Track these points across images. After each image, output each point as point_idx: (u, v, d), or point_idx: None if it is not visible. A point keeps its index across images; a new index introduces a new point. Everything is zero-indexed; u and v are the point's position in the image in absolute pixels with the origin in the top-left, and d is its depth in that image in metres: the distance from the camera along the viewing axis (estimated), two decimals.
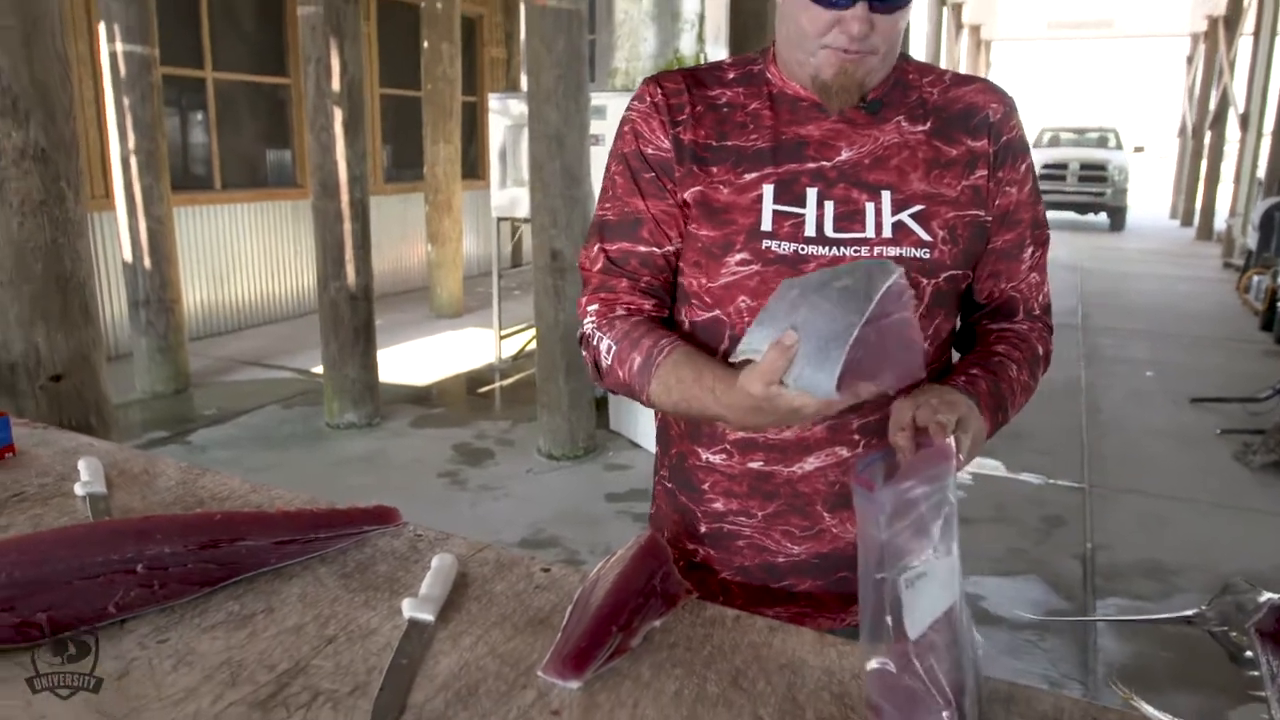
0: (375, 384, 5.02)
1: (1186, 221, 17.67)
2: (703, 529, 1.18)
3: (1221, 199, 15.30)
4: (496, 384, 6.00)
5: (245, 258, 7.45)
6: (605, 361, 1.09)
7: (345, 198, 4.62)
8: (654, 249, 1.12)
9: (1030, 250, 1.12)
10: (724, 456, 1.14)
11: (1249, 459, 4.68)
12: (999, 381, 1.06)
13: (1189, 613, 1.07)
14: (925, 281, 1.06)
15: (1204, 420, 5.37)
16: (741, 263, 1.06)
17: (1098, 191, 16.47)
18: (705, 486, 1.16)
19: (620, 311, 1.12)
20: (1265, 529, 3.88)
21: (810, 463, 1.10)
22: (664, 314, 1.15)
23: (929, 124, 1.08)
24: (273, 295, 7.73)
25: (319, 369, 5.13)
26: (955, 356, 1.18)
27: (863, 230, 1.04)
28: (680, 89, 1.12)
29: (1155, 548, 3.63)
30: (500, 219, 6.17)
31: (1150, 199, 23.73)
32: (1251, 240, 9.87)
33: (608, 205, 1.15)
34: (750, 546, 1.15)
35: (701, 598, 1.16)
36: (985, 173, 1.07)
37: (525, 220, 5.80)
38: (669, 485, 1.23)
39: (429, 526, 1.19)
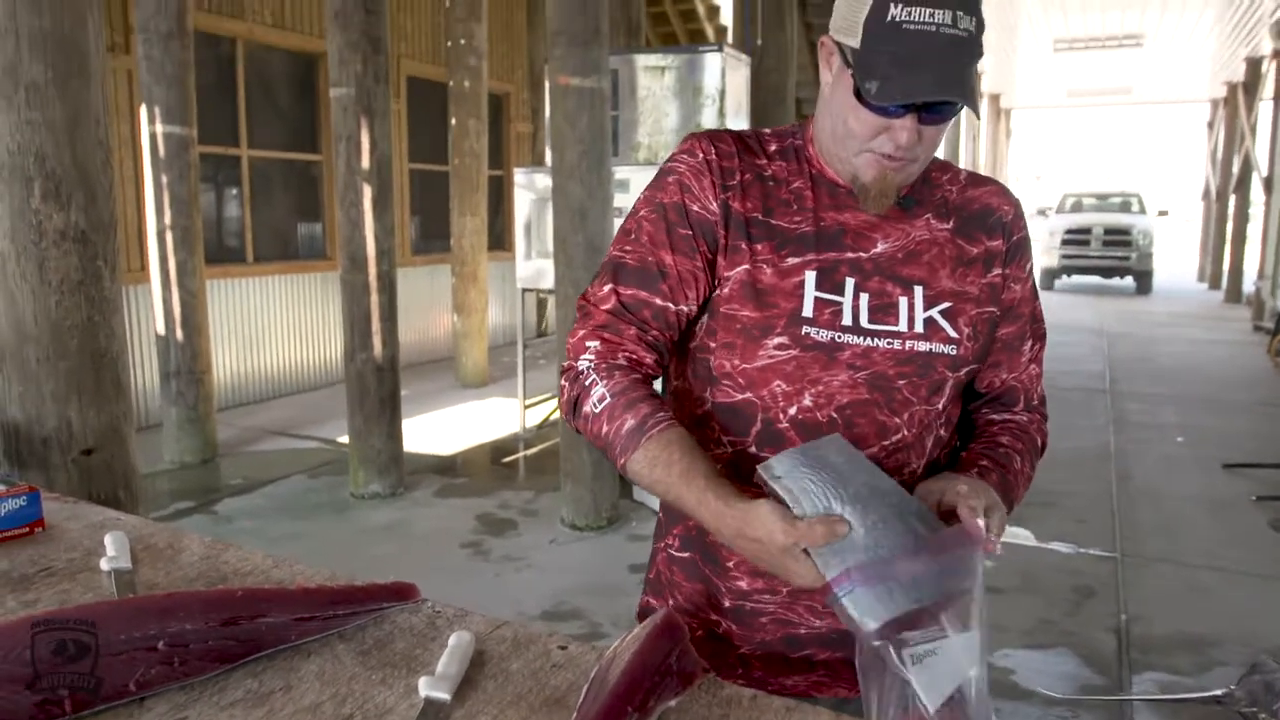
0: (400, 454, 5.05)
1: (1214, 284, 17.56)
2: (726, 604, 1.16)
3: (1249, 261, 15.21)
4: (520, 454, 6.01)
5: (275, 328, 7.59)
6: (592, 408, 1.05)
7: (373, 270, 4.72)
8: (669, 305, 1.10)
9: (1030, 344, 1.15)
10: None
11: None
12: (1006, 473, 1.07)
13: (1219, 692, 1.06)
14: (950, 376, 1.08)
15: (1237, 486, 5.27)
16: (779, 347, 1.06)
17: (1122, 256, 16.44)
18: (730, 565, 1.15)
19: (622, 361, 1.09)
20: None
21: None
22: (658, 374, 1.15)
23: (952, 222, 1.11)
24: (301, 365, 7.84)
25: (345, 439, 5.17)
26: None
27: (896, 324, 1.06)
28: (732, 152, 1.11)
29: (1192, 619, 3.54)
30: (525, 290, 6.25)
31: (1176, 262, 23.65)
32: None
33: (629, 249, 1.11)
34: (774, 622, 1.14)
35: (719, 667, 1.16)
36: (1000, 270, 1.11)
37: (549, 291, 5.87)
38: (683, 555, 1.21)
39: (448, 603, 1.20)
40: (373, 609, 1.15)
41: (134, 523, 1.49)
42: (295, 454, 5.91)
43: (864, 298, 1.06)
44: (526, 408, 6.49)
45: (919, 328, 1.05)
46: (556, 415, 5.77)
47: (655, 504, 4.67)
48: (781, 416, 1.07)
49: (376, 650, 1.07)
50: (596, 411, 1.05)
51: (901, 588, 0.82)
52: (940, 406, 1.09)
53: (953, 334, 1.06)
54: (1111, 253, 16.43)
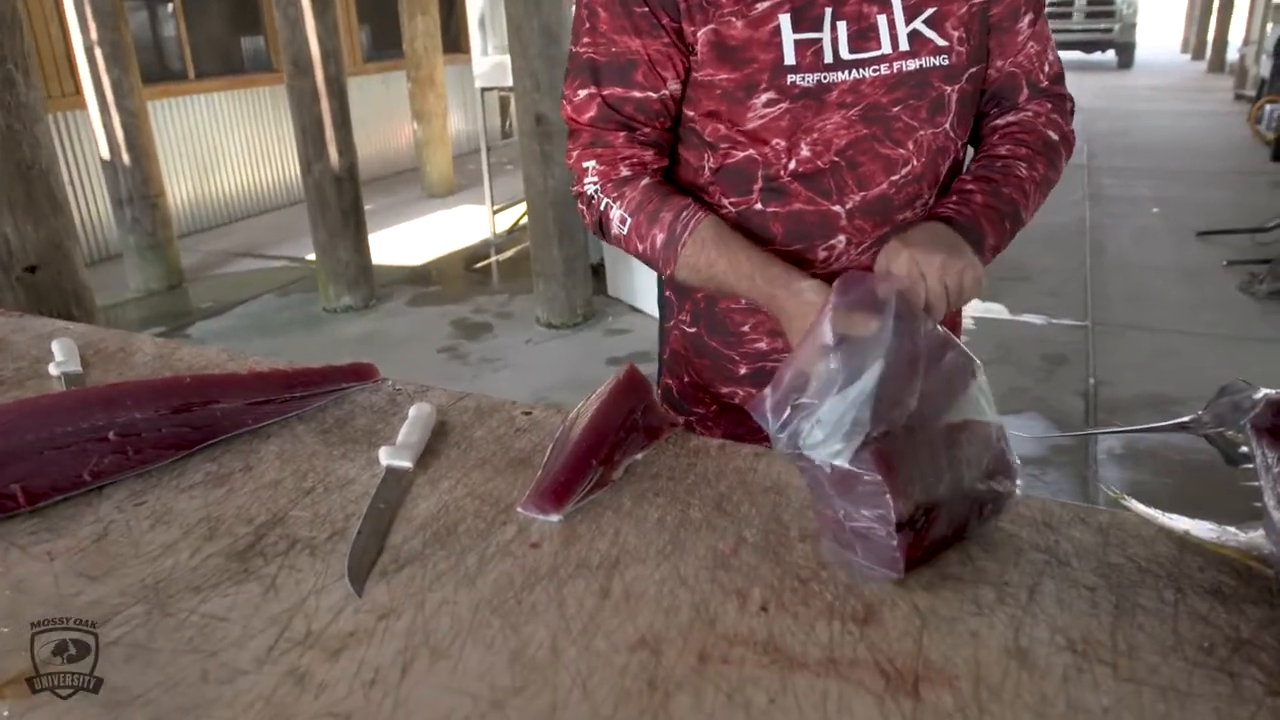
0: (369, 266, 4.97)
1: (1198, 55, 17.07)
2: (742, 370, 1.14)
3: (1235, 29, 14.71)
4: (492, 259, 5.93)
5: (228, 148, 7.28)
6: (618, 231, 1.04)
7: (320, 75, 4.46)
8: (650, 94, 1.01)
9: (1026, 17, 1.02)
10: None
11: (1254, 289, 4.63)
12: (1001, 188, 0.99)
13: (1186, 419, 1.04)
14: (949, 89, 0.99)
15: (1210, 254, 5.30)
16: (768, 104, 0.98)
17: (1105, 28, 15.85)
18: (746, 329, 1.12)
19: (625, 172, 1.04)
20: (1270, 357, 3.87)
21: None
22: (664, 163, 1.07)
23: None
24: (260, 185, 7.58)
25: (313, 256, 5.07)
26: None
27: (879, 47, 0.96)
28: None
29: (1159, 381, 3.63)
30: (485, 89, 5.97)
31: (1160, 34, 22.85)
32: (1265, 69, 9.53)
33: (588, 42, 1.02)
34: None
35: (739, 438, 1.14)
36: None
37: (510, 89, 5.61)
38: (692, 330, 1.17)
39: (409, 380, 1.17)
40: (331, 390, 1.12)
41: (83, 330, 1.44)
42: (263, 274, 5.81)
43: (841, 26, 0.95)
44: (495, 213, 6.35)
45: (903, 45, 0.96)
46: (526, 220, 5.65)
47: (631, 299, 4.67)
48: (783, 172, 1.00)
49: (337, 429, 1.05)
50: (624, 234, 1.03)
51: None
52: (947, 127, 1.00)
53: (941, 42, 0.97)
54: (1094, 25, 15.82)
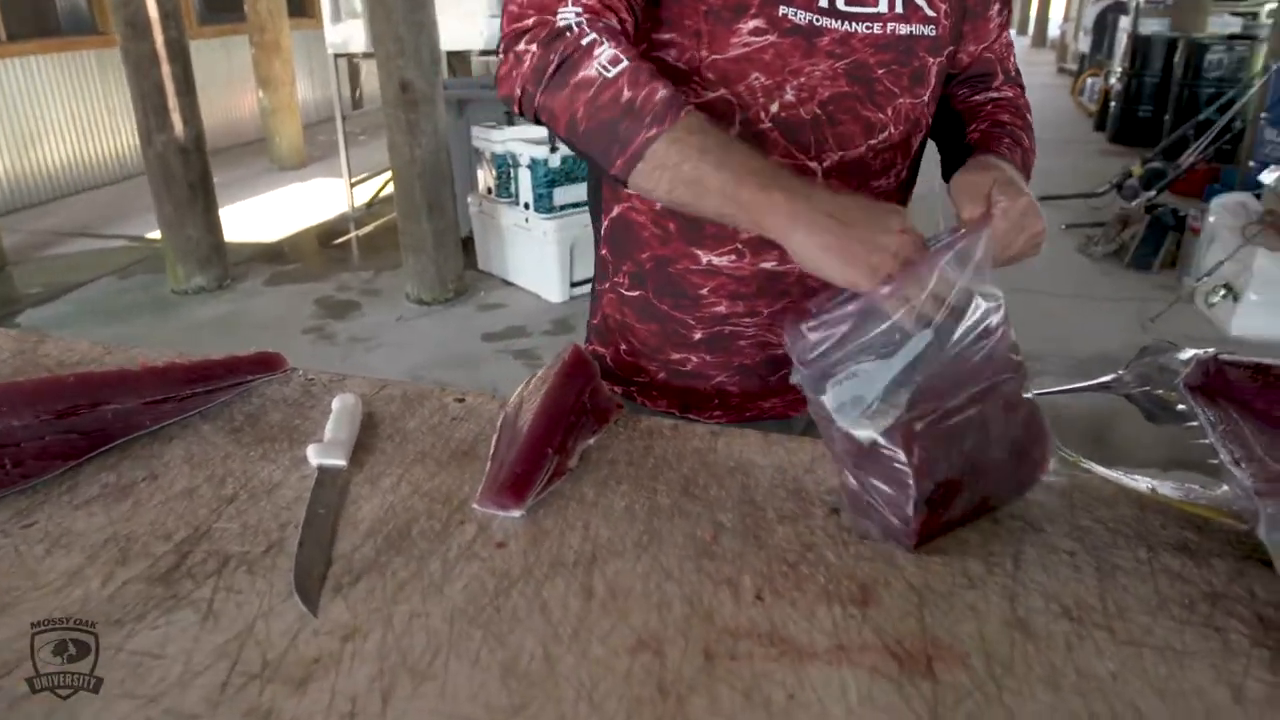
0: (221, 244, 4.65)
1: (1021, 30, 18.05)
2: (697, 335, 1.07)
3: (1055, 6, 15.62)
4: (352, 234, 5.67)
5: (50, 118, 6.66)
6: (600, 71, 0.80)
7: (159, 37, 4.10)
8: None
9: (995, 6, 1.03)
10: (733, 258, 1.01)
11: (1091, 250, 4.94)
12: (1025, 154, 0.99)
13: (1107, 378, 1.07)
14: (932, 61, 0.97)
15: (1049, 218, 5.57)
16: (755, 32, 0.90)
17: None
18: (704, 291, 1.04)
19: (616, 25, 0.85)
20: (1111, 314, 4.14)
21: None
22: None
23: None
24: (89, 159, 6.98)
25: (156, 234, 4.70)
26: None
27: (875, 4, 0.92)
28: None
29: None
30: (337, 56, 5.66)
31: None
32: (1084, 44, 10.16)
33: None
34: (753, 345, 1.07)
35: (689, 406, 1.10)
36: None
37: (365, 55, 5.35)
38: (634, 294, 1.08)
39: (321, 369, 1.07)
40: (235, 384, 1.01)
41: None
42: (99, 255, 5.36)
43: None
44: (353, 186, 6.07)
45: (899, 8, 0.92)
46: (388, 191, 5.42)
47: (504, 272, 4.55)
48: (763, 115, 0.94)
49: (249, 426, 0.95)
50: (610, 75, 0.80)
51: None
52: (925, 99, 0.98)
53: (930, 12, 0.94)
54: None
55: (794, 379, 0.74)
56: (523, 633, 0.64)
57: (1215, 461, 0.78)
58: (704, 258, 1.02)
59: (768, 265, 1.01)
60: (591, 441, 0.89)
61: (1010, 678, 0.60)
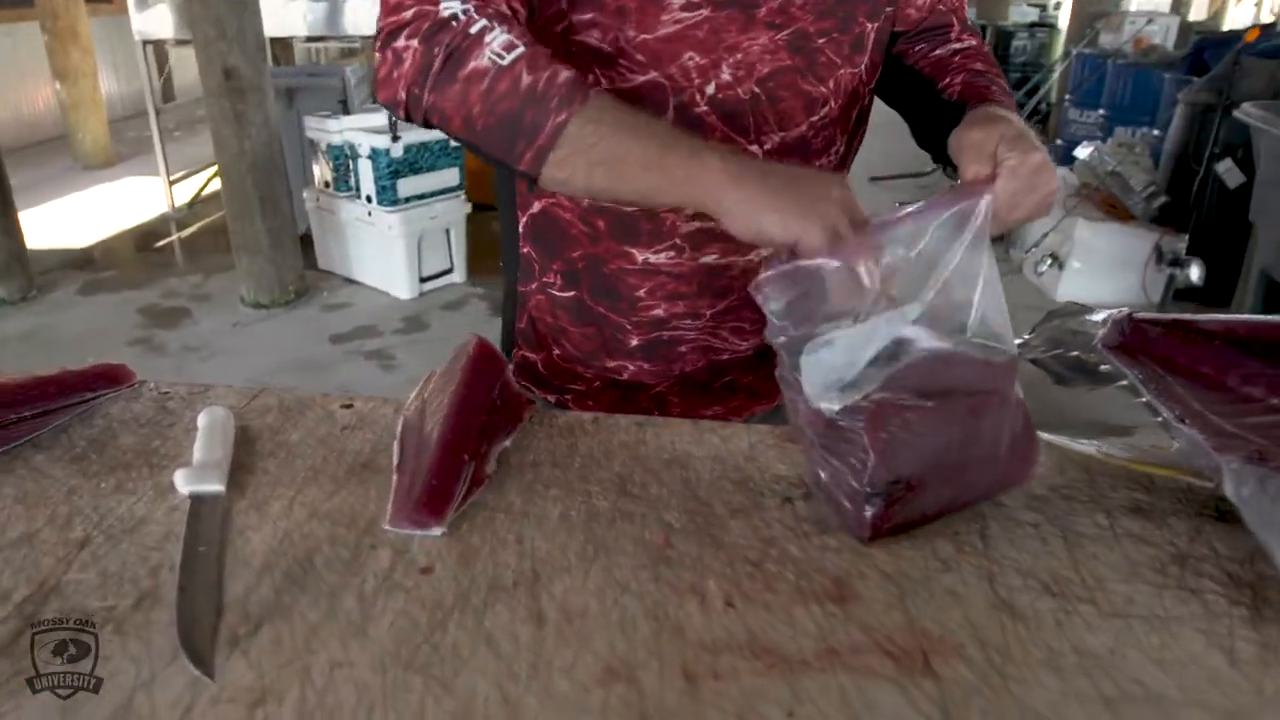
0: (22, 251, 4.18)
1: None
2: (634, 341, 0.98)
3: None
4: (174, 236, 5.24)
5: None
6: (494, 60, 0.72)
7: None
8: None
9: None
10: (672, 254, 0.93)
11: None
12: (1005, 100, 0.93)
13: (1015, 342, 1.06)
14: (870, 26, 0.89)
15: (884, 197, 5.82)
16: (687, 6, 0.81)
17: None
18: (641, 293, 0.95)
19: (506, 11, 0.77)
20: None
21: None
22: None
23: None
24: None
25: None
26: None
27: None
28: None
29: None
30: (146, 43, 5.20)
31: None
32: None
33: None
34: (695, 350, 0.99)
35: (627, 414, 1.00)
36: None
37: (179, 41, 4.94)
38: (567, 294, 0.99)
39: (176, 381, 0.93)
40: (72, 403, 0.86)
41: None
42: None
43: None
44: (172, 184, 5.61)
45: None
46: (214, 188, 5.04)
47: (347, 270, 4.31)
48: (698, 98, 0.85)
49: (95, 453, 0.80)
50: (505, 62, 0.71)
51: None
52: (863, 69, 0.91)
53: None
54: None
55: (768, 337, 0.68)
56: (471, 674, 0.55)
57: (1159, 420, 0.76)
58: (640, 256, 0.94)
59: (709, 259, 0.93)
60: (508, 443, 0.80)
61: (1011, 665, 0.56)
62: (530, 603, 0.61)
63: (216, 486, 0.72)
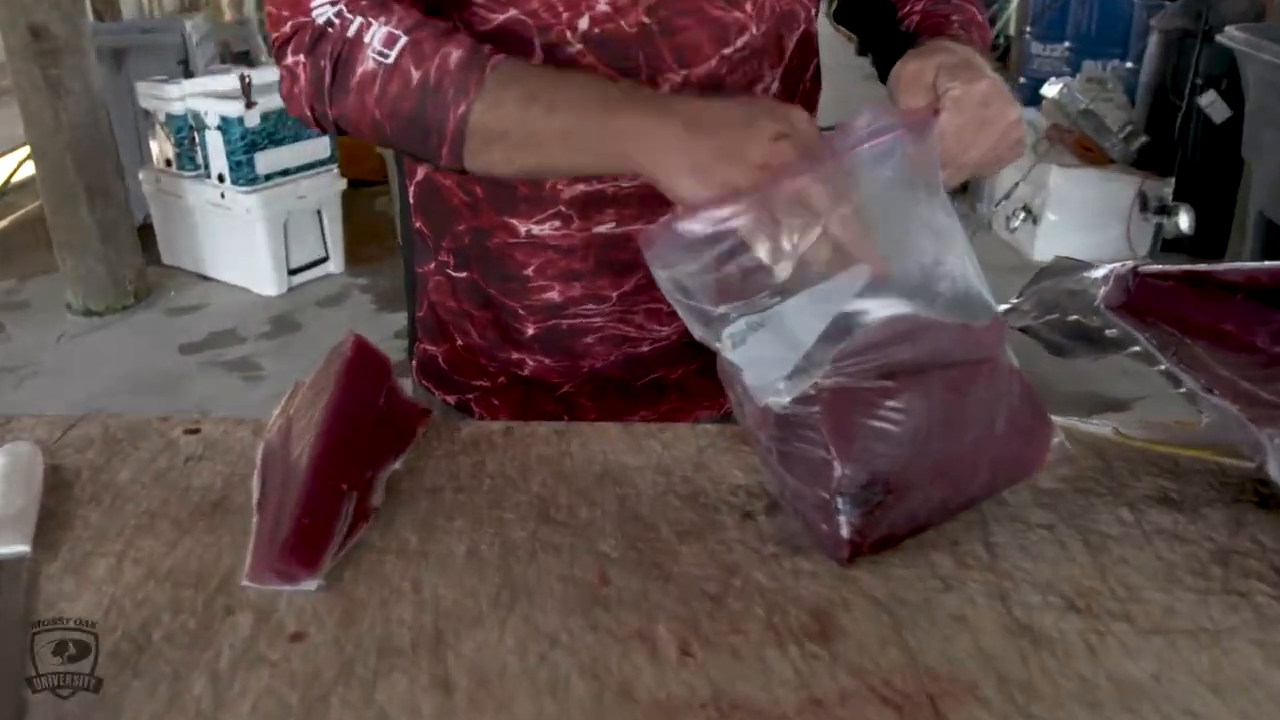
0: None
1: None
2: (530, 331, 0.95)
3: None
4: None
5: None
6: (377, 59, 0.75)
7: None
8: None
9: None
10: (558, 224, 0.90)
11: None
12: (978, 31, 0.91)
13: (1001, 309, 1.05)
14: None
15: None
16: None
17: None
18: (530, 272, 0.92)
19: None
20: None
21: None
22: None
23: None
24: None
25: None
26: None
27: None
28: None
29: None
30: None
31: None
32: None
33: None
34: (604, 341, 0.94)
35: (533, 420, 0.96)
36: None
37: None
38: (460, 275, 0.97)
39: None
40: None
41: None
42: None
43: None
44: None
45: None
46: (25, 174, 4.82)
47: (198, 264, 4.18)
48: (569, 35, 0.81)
49: None
50: (389, 61, 0.75)
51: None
52: None
53: None
54: None
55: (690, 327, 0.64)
56: None
57: (1181, 390, 0.75)
58: (521, 227, 0.90)
59: (603, 229, 0.89)
60: (398, 465, 0.75)
61: (1037, 703, 0.53)
62: (434, 667, 0.56)
63: (18, 547, 0.65)
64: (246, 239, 3.97)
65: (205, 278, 4.22)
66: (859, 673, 0.55)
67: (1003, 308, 1.05)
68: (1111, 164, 4.03)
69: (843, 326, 0.63)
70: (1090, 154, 4.09)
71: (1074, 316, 0.95)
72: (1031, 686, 0.54)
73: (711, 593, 0.62)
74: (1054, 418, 0.77)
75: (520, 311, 0.94)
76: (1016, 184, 4.00)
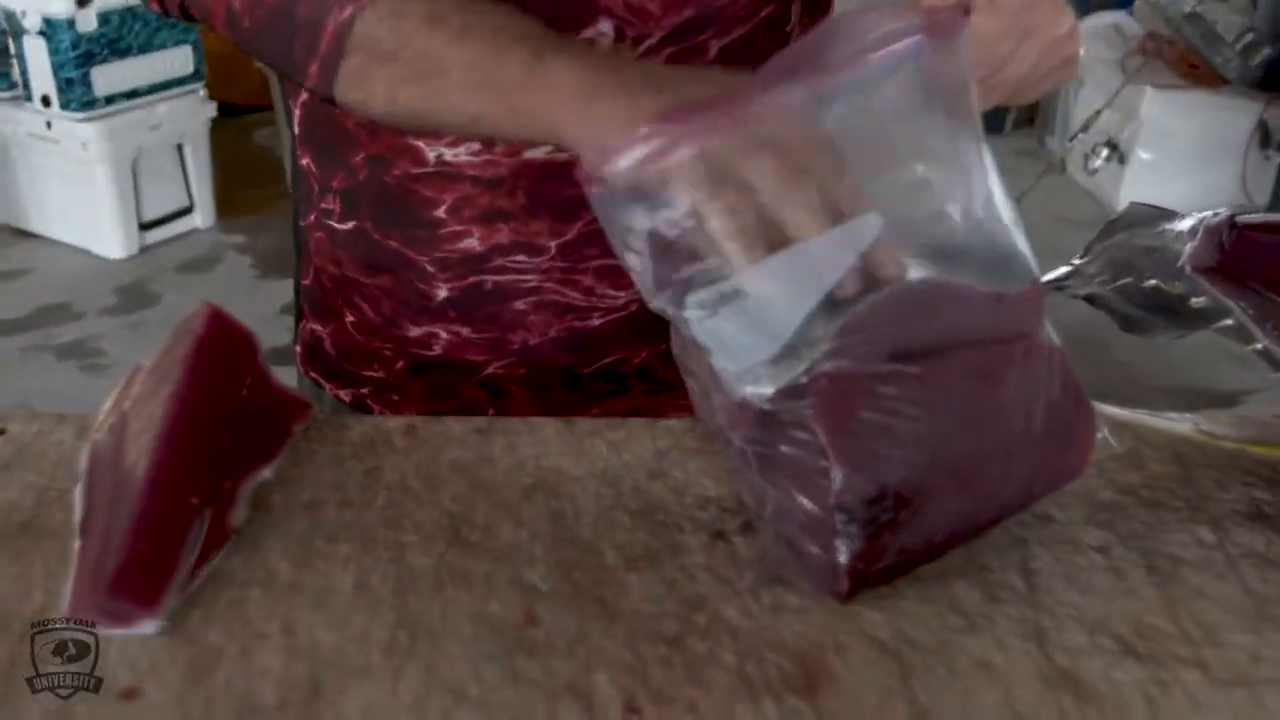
0: None
1: None
2: (442, 292, 0.97)
3: None
4: None
5: None
6: None
7: None
8: None
9: None
10: (477, 146, 0.91)
11: None
12: None
13: (1059, 273, 1.07)
14: None
15: None
16: None
17: None
18: (441, 213, 0.94)
19: None
20: None
21: None
22: None
23: None
24: None
25: None
26: None
27: None
28: None
29: None
30: None
31: None
32: None
33: None
34: (541, 309, 0.97)
35: (449, 412, 0.99)
36: None
37: None
38: (344, 227, 1.00)
39: None
40: None
41: None
42: None
43: None
44: None
45: None
46: None
47: (23, 219, 4.19)
48: None
49: None
50: None
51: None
52: None
53: None
54: None
55: (645, 296, 0.66)
56: None
57: (1277, 375, 0.78)
58: (430, 152, 0.92)
59: (538, 154, 0.91)
60: (268, 474, 0.78)
61: None
62: None
63: None
64: (82, 183, 4.01)
65: (27, 234, 4.27)
66: None
67: (1061, 270, 1.08)
68: (1226, 85, 4.09)
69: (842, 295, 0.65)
70: (1197, 72, 4.15)
71: (1152, 281, 0.98)
72: None
73: (668, 634, 0.64)
74: (1114, 410, 0.80)
75: (429, 268, 0.96)
76: (1099, 111, 4.05)
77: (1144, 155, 4.06)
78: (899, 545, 0.66)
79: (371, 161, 0.95)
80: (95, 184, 3.97)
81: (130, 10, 3.86)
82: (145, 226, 4.14)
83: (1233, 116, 3.98)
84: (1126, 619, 0.65)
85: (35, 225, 4.23)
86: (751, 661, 0.62)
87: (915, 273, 0.66)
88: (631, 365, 1.01)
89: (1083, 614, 0.65)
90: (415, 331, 1.00)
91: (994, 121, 5.01)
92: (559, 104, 0.71)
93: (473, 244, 0.95)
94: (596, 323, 0.98)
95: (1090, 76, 4.36)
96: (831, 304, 0.65)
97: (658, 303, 0.67)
